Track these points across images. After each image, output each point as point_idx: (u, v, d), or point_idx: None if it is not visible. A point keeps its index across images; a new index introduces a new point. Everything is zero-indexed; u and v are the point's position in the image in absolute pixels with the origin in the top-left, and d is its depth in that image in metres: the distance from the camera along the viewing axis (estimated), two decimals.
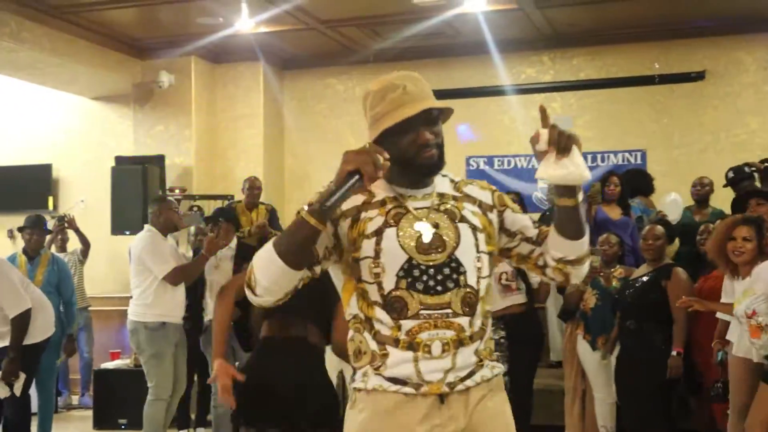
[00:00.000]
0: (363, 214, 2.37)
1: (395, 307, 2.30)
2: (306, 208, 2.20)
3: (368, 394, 2.33)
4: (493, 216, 2.49)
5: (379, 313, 2.31)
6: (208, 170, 10.38)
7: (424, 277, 2.31)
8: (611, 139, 9.86)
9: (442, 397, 2.30)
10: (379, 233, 2.33)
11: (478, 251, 2.39)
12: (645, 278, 5.63)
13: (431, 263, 2.32)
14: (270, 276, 2.24)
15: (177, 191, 9.58)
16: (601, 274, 5.96)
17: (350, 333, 2.41)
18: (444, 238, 2.36)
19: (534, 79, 10.21)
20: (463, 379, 2.32)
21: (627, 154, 9.76)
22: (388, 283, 2.31)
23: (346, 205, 2.34)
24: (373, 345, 2.32)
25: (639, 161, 9.69)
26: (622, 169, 9.42)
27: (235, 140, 10.59)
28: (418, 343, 2.28)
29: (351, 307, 2.38)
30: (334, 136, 10.71)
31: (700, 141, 9.50)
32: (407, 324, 2.29)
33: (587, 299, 6.03)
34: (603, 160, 9.78)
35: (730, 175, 7.22)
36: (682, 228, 6.91)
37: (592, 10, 8.99)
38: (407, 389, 2.29)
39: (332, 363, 4.42)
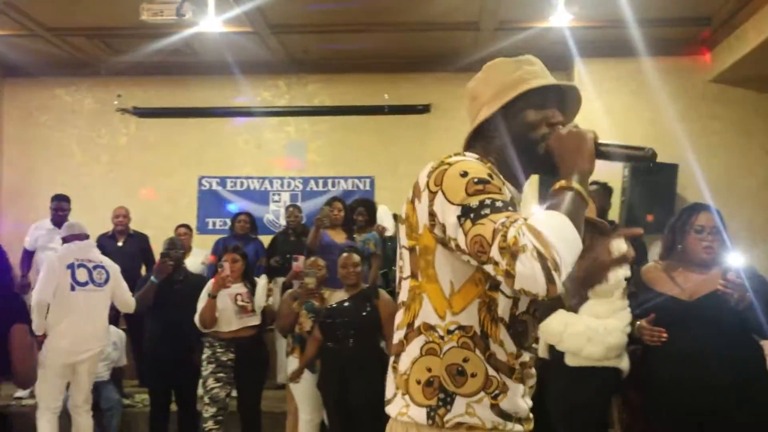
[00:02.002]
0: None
1: (519, 332, 1.97)
2: (569, 183, 1.86)
3: None
4: None
5: (503, 334, 1.95)
6: None
7: (537, 304, 2.03)
8: (342, 165, 10.15)
9: None
10: None
11: None
12: (347, 303, 5.77)
13: None
14: (575, 257, 1.77)
15: None
16: (316, 295, 6.03)
17: (441, 347, 1.95)
18: None
19: (270, 102, 10.31)
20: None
21: (357, 180, 10.08)
22: (523, 303, 1.98)
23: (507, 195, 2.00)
24: (490, 369, 1.94)
25: (368, 187, 10.05)
26: (352, 195, 9.75)
27: None
28: (526, 376, 2.02)
29: (464, 315, 1.94)
30: (59, 149, 10.25)
31: None
32: (525, 355, 2.00)
33: (303, 322, 6.10)
34: (334, 185, 10.04)
35: None
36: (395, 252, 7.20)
37: (324, 39, 9.21)
38: (518, 427, 2.00)
39: None
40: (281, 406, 6.85)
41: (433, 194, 1.89)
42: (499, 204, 1.80)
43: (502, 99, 2.03)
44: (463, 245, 1.82)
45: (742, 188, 8.98)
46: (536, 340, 2.06)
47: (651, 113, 8.90)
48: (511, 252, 1.70)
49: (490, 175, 1.88)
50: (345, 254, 5.90)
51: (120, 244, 8.44)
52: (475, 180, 1.85)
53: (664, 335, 3.93)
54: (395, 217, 8.29)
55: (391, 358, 2.05)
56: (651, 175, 8.35)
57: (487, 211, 1.79)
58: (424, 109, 10.07)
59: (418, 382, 1.95)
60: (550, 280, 1.69)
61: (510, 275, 1.71)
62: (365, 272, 6.40)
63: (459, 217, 1.82)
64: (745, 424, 3.74)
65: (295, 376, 6.03)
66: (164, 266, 6.42)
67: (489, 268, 1.77)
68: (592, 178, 1.94)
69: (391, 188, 10.01)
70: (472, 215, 1.80)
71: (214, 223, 10.12)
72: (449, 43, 9.31)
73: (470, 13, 8.36)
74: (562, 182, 1.88)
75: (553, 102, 2.07)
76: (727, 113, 9.42)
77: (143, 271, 8.48)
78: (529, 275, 1.69)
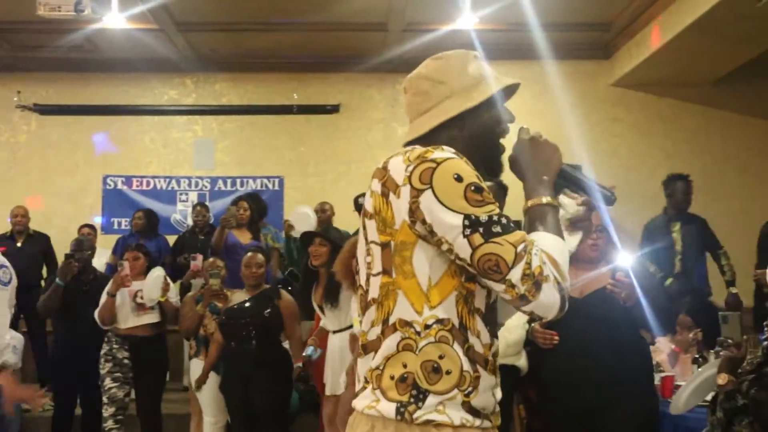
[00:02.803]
0: None
1: (490, 320, 1.97)
2: (544, 199, 1.95)
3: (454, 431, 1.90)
4: None
5: (480, 325, 1.94)
6: None
7: None
8: (250, 164, 10.07)
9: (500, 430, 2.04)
10: None
11: None
12: (248, 303, 5.74)
13: None
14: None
15: None
16: (220, 296, 5.98)
17: (418, 342, 1.91)
18: None
19: (176, 101, 10.17)
20: None
21: (265, 180, 10.03)
22: (495, 292, 1.95)
23: None
24: (466, 363, 1.91)
25: (277, 187, 10.00)
26: (262, 195, 9.70)
27: None
28: (497, 367, 2.00)
29: (442, 308, 1.91)
30: None
31: (333, 170, 10.00)
32: (495, 344, 1.99)
33: (207, 324, 6.04)
34: (242, 185, 9.96)
35: (360, 201, 7.68)
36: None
37: (232, 38, 9.15)
38: (486, 423, 1.95)
39: None
40: (187, 408, 6.76)
41: (417, 191, 1.87)
42: (504, 221, 1.85)
43: (482, 93, 2.04)
44: (464, 255, 1.84)
45: (642, 188, 9.24)
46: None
47: (554, 115, 9.09)
48: (536, 281, 1.79)
49: (479, 178, 1.90)
50: (249, 254, 5.86)
51: (19, 244, 8.22)
52: (472, 188, 1.86)
53: (556, 338, 4.02)
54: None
55: (369, 355, 1.97)
56: None
57: (499, 229, 1.83)
58: (333, 109, 10.08)
59: (392, 378, 1.90)
60: (563, 309, 1.84)
61: (527, 300, 1.81)
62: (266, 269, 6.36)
63: (466, 227, 1.83)
64: (630, 417, 3.86)
65: (200, 383, 5.97)
66: (68, 267, 6.27)
67: (497, 286, 1.83)
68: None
69: (300, 188, 10.00)
70: (481, 230, 1.83)
71: (119, 223, 9.92)
72: (358, 44, 9.35)
73: (378, 14, 8.41)
74: (541, 199, 1.96)
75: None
76: (628, 116, 9.72)
77: (44, 272, 8.30)
78: (550, 304, 1.82)
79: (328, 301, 5.39)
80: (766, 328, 3.68)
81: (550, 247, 1.85)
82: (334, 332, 5.42)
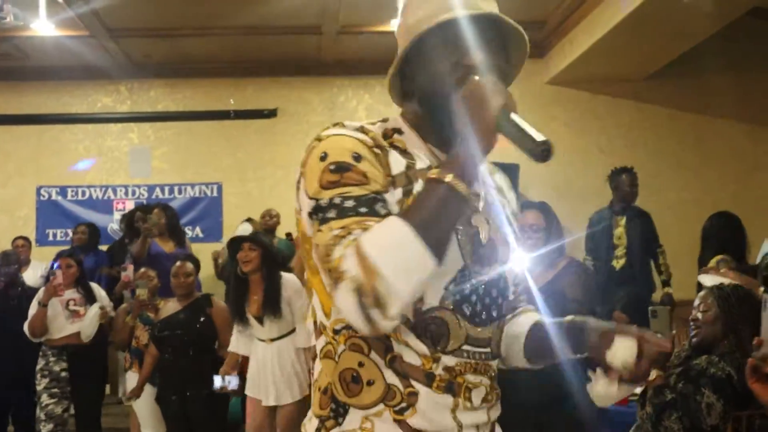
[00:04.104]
0: (415, 185, 1.56)
1: (433, 332, 1.57)
2: (445, 176, 1.45)
3: None
4: None
5: (406, 333, 1.56)
6: None
7: (473, 297, 1.61)
8: (188, 171, 9.95)
9: None
10: None
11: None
12: (181, 314, 5.67)
13: (484, 278, 1.63)
14: (416, 282, 1.40)
15: None
16: (150, 306, 5.90)
17: (336, 348, 1.61)
18: (497, 242, 1.67)
19: (111, 108, 10.00)
20: None
21: (204, 187, 9.91)
22: (432, 296, 1.56)
23: (396, 168, 1.57)
24: (390, 376, 1.55)
25: (215, 194, 9.89)
26: (200, 202, 9.62)
27: None
28: (460, 384, 1.60)
29: None
30: None
31: (272, 175, 9.91)
32: (447, 360, 1.58)
33: (139, 335, 5.96)
34: (180, 192, 9.83)
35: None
36: None
37: (167, 43, 9.02)
38: None
39: None
40: (126, 421, 6.66)
41: (299, 177, 1.59)
42: (348, 204, 1.47)
43: (410, 36, 1.61)
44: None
45: (582, 186, 9.34)
46: (479, 343, 1.64)
47: None
48: (334, 277, 1.42)
49: (356, 156, 1.52)
50: (178, 263, 5.79)
51: None
52: (332, 167, 1.50)
53: None
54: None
55: None
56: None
57: (332, 213, 1.47)
58: (271, 113, 10.00)
59: (319, 389, 1.63)
60: (367, 320, 1.40)
61: (334, 300, 1.45)
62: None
63: (310, 215, 1.52)
64: (572, 414, 3.87)
65: (134, 394, 5.86)
66: None
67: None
68: None
69: (239, 194, 9.90)
70: (319, 216, 1.49)
71: (55, 234, 9.73)
72: (293, 47, 9.28)
73: (312, 17, 8.35)
74: (436, 171, 1.48)
75: (484, 42, 1.59)
76: (564, 114, 9.80)
77: None
78: (345, 310, 1.42)
79: (269, 310, 5.07)
80: (692, 323, 3.73)
81: (372, 237, 1.40)
82: (273, 340, 5.20)
